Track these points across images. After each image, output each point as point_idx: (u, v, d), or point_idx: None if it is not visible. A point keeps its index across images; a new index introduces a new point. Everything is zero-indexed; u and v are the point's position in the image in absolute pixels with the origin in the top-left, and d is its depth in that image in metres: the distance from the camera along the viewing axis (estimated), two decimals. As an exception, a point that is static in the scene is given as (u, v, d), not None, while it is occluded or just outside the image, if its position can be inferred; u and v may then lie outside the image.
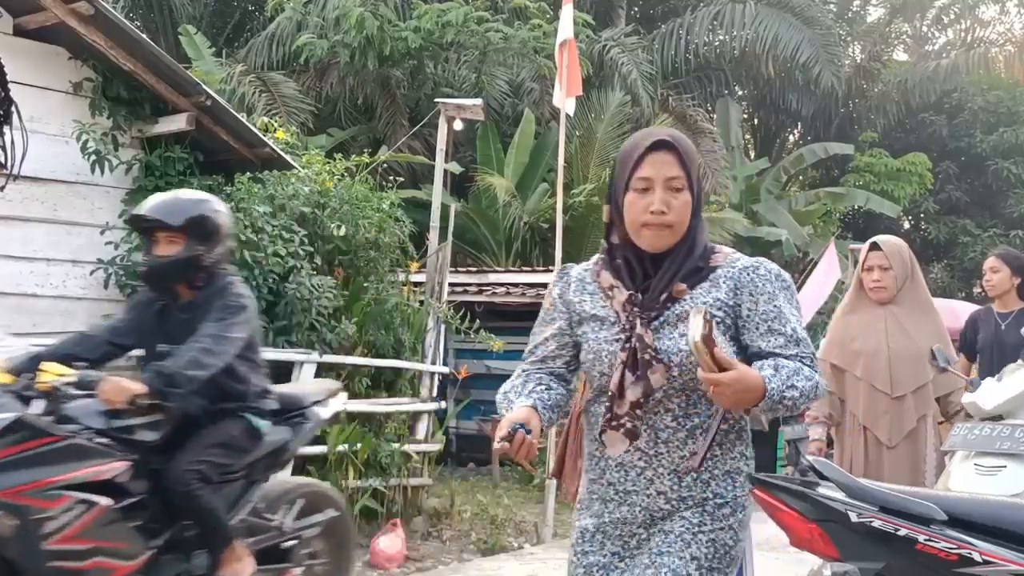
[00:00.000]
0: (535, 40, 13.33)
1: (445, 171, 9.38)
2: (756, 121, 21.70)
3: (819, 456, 3.84)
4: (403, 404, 6.95)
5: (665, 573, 2.09)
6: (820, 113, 19.27)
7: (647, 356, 2.09)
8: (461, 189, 14.50)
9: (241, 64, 13.68)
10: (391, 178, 9.60)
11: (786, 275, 2.21)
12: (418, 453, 6.99)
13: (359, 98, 14.09)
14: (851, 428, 4.15)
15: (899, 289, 4.18)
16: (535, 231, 13.35)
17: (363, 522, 6.36)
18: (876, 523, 2.41)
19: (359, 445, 6.19)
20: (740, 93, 20.25)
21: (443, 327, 7.72)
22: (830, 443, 4.29)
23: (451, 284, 8.67)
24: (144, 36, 6.20)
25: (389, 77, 13.90)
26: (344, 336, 6.52)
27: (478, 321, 8.12)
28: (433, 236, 7.93)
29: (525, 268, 11.82)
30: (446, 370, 8.04)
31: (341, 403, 4.47)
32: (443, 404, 7.68)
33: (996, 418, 3.86)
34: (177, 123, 6.07)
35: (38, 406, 3.24)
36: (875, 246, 4.23)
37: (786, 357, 2.10)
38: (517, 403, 2.14)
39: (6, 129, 5.35)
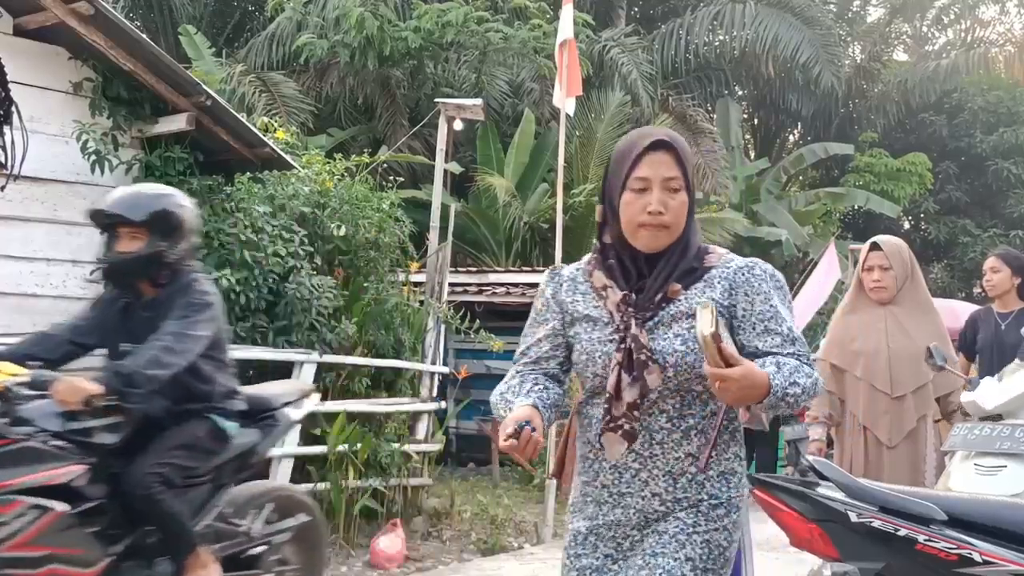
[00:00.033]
0: (535, 40, 13.34)
1: (445, 171, 9.38)
2: (756, 121, 21.71)
3: (819, 456, 3.83)
4: (403, 404, 6.95)
5: (660, 574, 2.08)
6: (820, 113, 19.27)
7: (643, 357, 2.08)
8: (461, 189, 14.50)
9: (241, 64, 13.69)
10: (391, 178, 9.60)
11: (780, 275, 2.21)
12: (418, 453, 6.99)
13: (359, 98, 14.09)
14: (851, 428, 4.15)
15: (899, 289, 4.18)
16: (535, 231, 13.36)
17: (363, 522, 6.37)
18: (876, 523, 2.42)
19: (359, 445, 6.19)
20: (740, 93, 20.25)
21: (443, 327, 7.72)
22: (830, 443, 4.29)
23: (451, 284, 8.67)
24: (144, 36, 6.19)
25: (389, 77, 13.90)
26: (344, 336, 6.52)
27: (478, 321, 8.12)
28: (433, 236, 7.93)
29: (525, 268, 11.83)
30: (446, 370, 8.03)
31: (313, 404, 4.34)
32: (443, 404, 7.67)
33: (996, 418, 3.86)
34: (177, 123, 6.06)
35: None
36: (875, 246, 4.23)
37: (783, 356, 2.10)
38: (517, 403, 2.12)
39: (6, 129, 5.35)
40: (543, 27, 13.25)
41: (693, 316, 2.09)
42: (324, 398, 6.38)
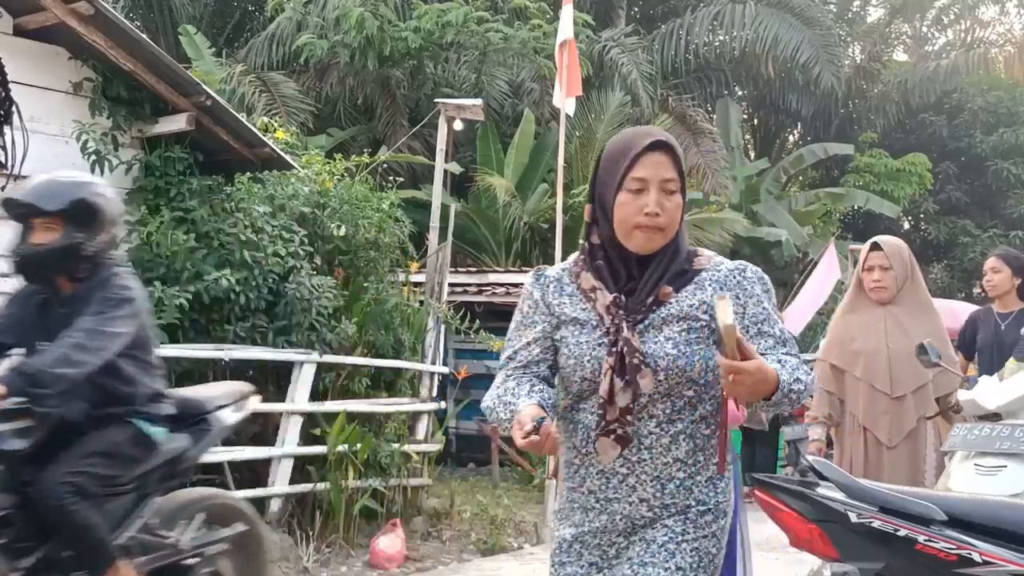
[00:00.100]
0: (535, 40, 13.34)
1: (445, 171, 9.38)
2: (756, 121, 21.70)
3: (819, 456, 3.84)
4: (403, 404, 6.95)
5: None
6: (820, 113, 19.27)
7: (635, 360, 2.04)
8: (461, 189, 14.50)
9: (241, 64, 13.69)
10: (391, 178, 9.61)
11: (767, 278, 2.20)
12: (418, 453, 6.99)
13: (359, 98, 14.09)
14: (851, 428, 4.15)
15: (899, 289, 4.18)
16: (535, 231, 13.36)
17: (363, 522, 6.37)
18: (876, 523, 2.42)
19: (359, 445, 6.19)
20: (740, 93, 20.25)
21: (443, 327, 7.72)
22: (830, 443, 4.30)
23: (451, 284, 8.67)
24: (144, 36, 6.19)
25: (389, 77, 13.90)
26: (344, 336, 6.53)
27: (478, 321, 8.13)
28: (433, 236, 7.94)
29: (525, 268, 11.81)
30: (446, 370, 8.04)
31: (252, 407, 4.04)
32: (443, 404, 7.68)
33: (995, 417, 3.86)
34: (177, 123, 6.06)
35: None
36: (875, 246, 4.23)
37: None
38: (521, 403, 2.06)
39: (6, 129, 5.35)
40: (543, 27, 13.25)
41: (684, 319, 2.08)
42: (324, 398, 6.40)
